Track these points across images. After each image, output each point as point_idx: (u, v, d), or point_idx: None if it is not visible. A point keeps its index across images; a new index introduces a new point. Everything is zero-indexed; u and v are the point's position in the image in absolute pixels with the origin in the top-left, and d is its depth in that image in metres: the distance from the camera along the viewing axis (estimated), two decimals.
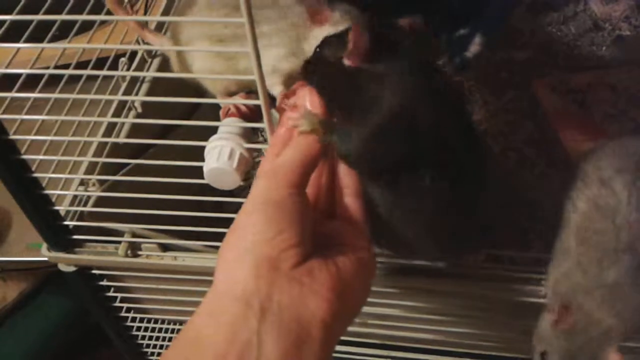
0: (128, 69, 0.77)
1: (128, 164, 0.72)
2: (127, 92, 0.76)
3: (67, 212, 0.66)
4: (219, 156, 0.51)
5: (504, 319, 0.63)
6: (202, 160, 0.52)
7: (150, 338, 0.85)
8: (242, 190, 0.90)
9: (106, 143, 0.70)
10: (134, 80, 0.78)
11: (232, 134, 0.52)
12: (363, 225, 0.43)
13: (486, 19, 0.57)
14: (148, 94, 0.79)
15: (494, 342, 0.67)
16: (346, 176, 0.44)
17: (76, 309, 1.13)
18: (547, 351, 0.54)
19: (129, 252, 0.64)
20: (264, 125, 0.48)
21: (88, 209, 0.65)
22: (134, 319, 0.79)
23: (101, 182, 0.67)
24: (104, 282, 0.71)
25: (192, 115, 0.86)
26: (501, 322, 0.64)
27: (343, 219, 0.43)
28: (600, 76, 1.01)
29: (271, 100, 0.67)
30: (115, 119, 0.72)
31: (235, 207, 0.42)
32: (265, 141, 0.50)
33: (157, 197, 0.57)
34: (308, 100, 0.44)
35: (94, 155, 0.67)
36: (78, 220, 0.66)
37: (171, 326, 0.86)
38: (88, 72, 0.60)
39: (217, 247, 0.67)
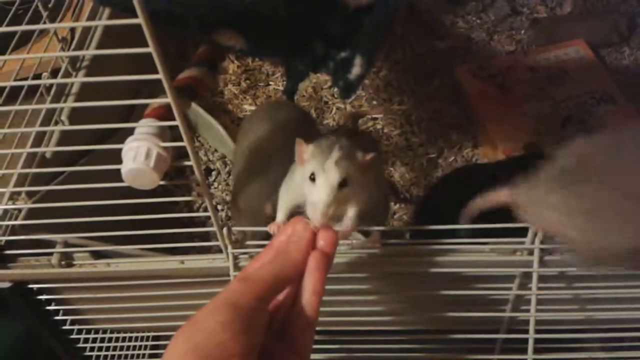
0: (50, 86, 0.77)
1: (58, 176, 0.73)
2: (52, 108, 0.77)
3: None
4: (136, 157, 0.52)
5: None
6: None
7: (100, 349, 0.85)
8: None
9: (34, 156, 0.70)
10: (58, 95, 0.79)
11: (148, 134, 0.53)
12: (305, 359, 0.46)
13: (364, 38, 0.58)
14: (73, 109, 0.79)
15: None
16: (308, 304, 0.45)
17: (28, 334, 1.11)
18: None
19: (62, 262, 0.65)
20: (177, 123, 0.50)
21: (19, 222, 0.65)
22: (80, 331, 0.79)
23: (30, 195, 0.67)
24: (44, 297, 0.71)
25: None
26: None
27: (289, 345, 0.45)
28: (519, 58, 1.05)
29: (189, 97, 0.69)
30: (44, 128, 0.73)
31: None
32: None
33: (85, 205, 0.58)
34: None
35: (23, 168, 0.68)
36: (10, 234, 0.66)
37: (120, 335, 0.86)
38: (10, 83, 0.59)
39: (151, 250, 0.70)
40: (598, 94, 0.98)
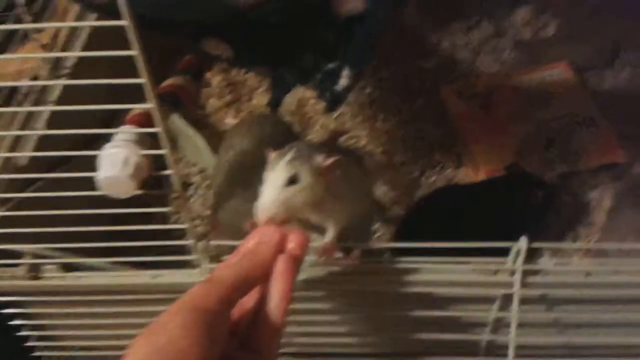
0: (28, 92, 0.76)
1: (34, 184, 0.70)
2: (29, 114, 0.75)
3: None
4: (113, 163, 0.50)
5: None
6: None
7: None
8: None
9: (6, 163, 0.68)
10: (37, 102, 0.77)
11: (127, 141, 0.52)
12: None
13: (353, 50, 0.58)
14: (51, 117, 0.78)
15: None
16: (275, 310, 0.43)
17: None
18: None
19: (29, 274, 0.62)
20: (159, 129, 0.48)
21: None
22: (45, 349, 0.76)
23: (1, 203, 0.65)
24: (9, 310, 0.68)
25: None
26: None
27: (254, 354, 0.43)
28: (503, 79, 1.05)
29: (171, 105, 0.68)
30: (20, 132, 0.71)
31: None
32: None
33: (57, 214, 0.56)
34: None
35: None
36: None
37: (88, 353, 0.83)
38: None
39: (124, 264, 0.67)
40: (580, 117, 0.97)
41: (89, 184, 0.53)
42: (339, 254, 0.65)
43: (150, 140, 0.55)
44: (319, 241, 0.59)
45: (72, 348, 0.78)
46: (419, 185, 0.95)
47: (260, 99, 1.07)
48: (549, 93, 1.01)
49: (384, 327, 0.66)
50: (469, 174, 0.95)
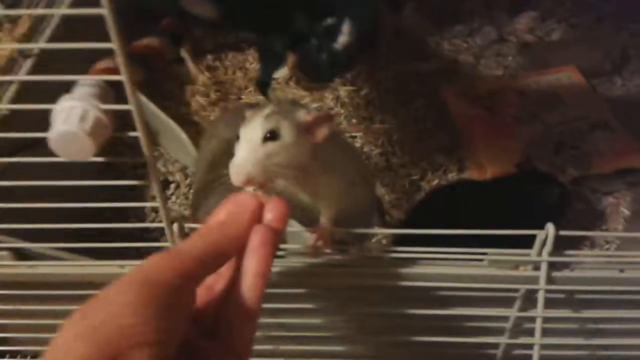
0: None
1: None
2: None
3: None
4: (68, 118, 0.42)
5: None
6: None
7: None
8: None
9: None
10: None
11: (88, 95, 0.44)
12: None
13: (354, 2, 0.50)
14: (17, 95, 0.70)
15: None
16: (249, 289, 0.35)
17: None
18: None
19: None
20: (122, 78, 0.41)
21: None
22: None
23: None
24: None
25: None
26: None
27: (224, 343, 0.35)
28: (507, 81, 0.99)
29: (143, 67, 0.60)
30: None
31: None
32: None
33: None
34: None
35: None
36: None
37: None
38: None
39: (87, 252, 0.59)
40: (592, 120, 0.91)
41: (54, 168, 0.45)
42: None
43: (116, 101, 0.46)
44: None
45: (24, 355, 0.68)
46: (420, 188, 0.87)
47: (249, 98, 1.01)
48: (556, 96, 0.96)
49: (380, 332, 0.58)
50: (475, 177, 0.87)
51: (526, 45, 1.07)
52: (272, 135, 0.42)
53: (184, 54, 1.04)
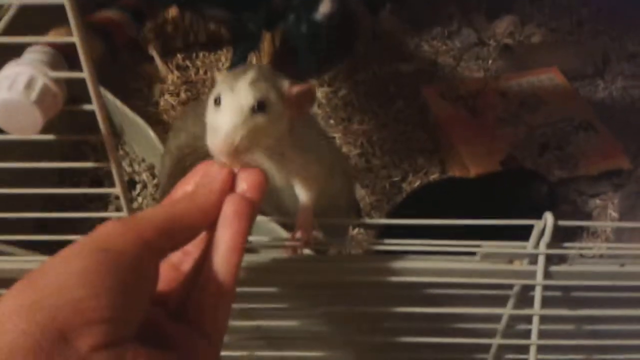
0: None
1: None
2: None
3: None
4: (12, 85, 0.37)
5: None
6: None
7: None
8: None
9: None
10: None
11: (36, 61, 0.39)
12: (215, 344, 0.30)
13: None
14: None
15: None
16: (222, 265, 0.30)
17: None
18: None
19: None
20: (74, 39, 0.36)
21: None
22: None
23: None
24: None
25: None
26: None
27: (193, 325, 0.30)
28: (489, 83, 0.97)
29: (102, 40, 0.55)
30: None
31: None
32: None
33: None
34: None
35: None
36: None
37: None
38: None
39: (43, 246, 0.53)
40: (576, 121, 0.89)
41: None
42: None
43: (68, 69, 0.41)
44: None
45: None
46: (401, 190, 0.83)
47: None
48: (539, 97, 0.93)
49: (363, 333, 0.53)
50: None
51: (506, 48, 1.04)
52: (260, 107, 0.37)
53: (152, 51, 0.99)
